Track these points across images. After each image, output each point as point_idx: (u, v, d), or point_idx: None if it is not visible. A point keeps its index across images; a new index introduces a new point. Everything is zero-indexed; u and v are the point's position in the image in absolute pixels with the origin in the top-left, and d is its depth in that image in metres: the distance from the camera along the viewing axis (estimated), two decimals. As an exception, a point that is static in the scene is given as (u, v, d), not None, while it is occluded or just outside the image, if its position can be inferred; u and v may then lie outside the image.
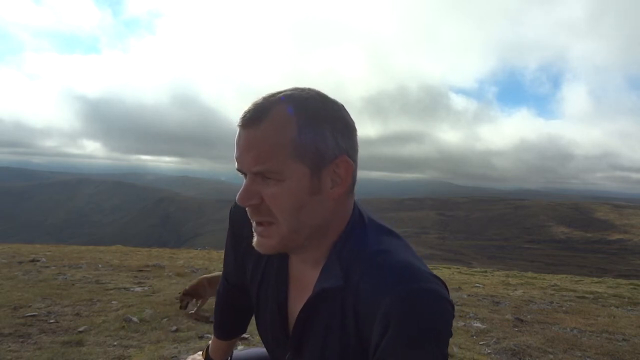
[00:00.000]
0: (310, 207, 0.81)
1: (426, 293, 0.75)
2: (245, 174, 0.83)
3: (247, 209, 0.84)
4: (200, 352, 1.31)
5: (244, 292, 1.10)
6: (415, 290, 0.74)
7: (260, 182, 0.80)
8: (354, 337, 0.81)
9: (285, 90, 0.82)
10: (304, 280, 0.91)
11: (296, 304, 0.91)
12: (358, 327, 0.80)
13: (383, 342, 0.74)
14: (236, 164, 0.83)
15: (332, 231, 0.86)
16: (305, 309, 0.87)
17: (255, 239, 0.86)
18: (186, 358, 1.33)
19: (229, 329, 1.24)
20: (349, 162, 0.82)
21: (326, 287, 0.84)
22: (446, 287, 0.79)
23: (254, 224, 0.86)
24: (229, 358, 1.27)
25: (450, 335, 0.77)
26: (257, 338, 3.37)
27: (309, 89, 0.83)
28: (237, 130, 0.82)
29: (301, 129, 0.78)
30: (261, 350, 1.29)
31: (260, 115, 0.78)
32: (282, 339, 0.95)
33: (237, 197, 0.82)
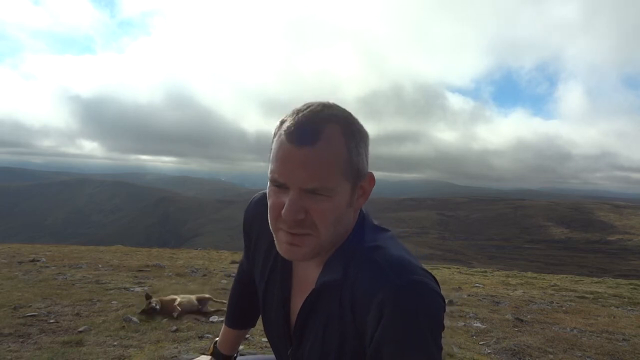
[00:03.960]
0: (344, 218, 0.88)
1: (418, 285, 0.80)
2: (286, 188, 0.84)
3: (287, 222, 0.84)
4: (206, 354, 1.34)
5: (255, 285, 1.16)
6: (408, 283, 0.80)
7: (307, 197, 0.83)
8: (351, 328, 0.86)
9: (322, 106, 0.85)
10: (307, 278, 0.96)
11: (299, 301, 0.96)
12: (355, 319, 0.85)
13: (377, 331, 0.79)
14: (278, 177, 0.84)
15: (346, 235, 0.92)
16: (307, 303, 0.93)
17: (284, 247, 0.88)
18: (193, 358, 1.37)
19: (240, 316, 1.30)
20: (373, 177, 0.91)
21: (326, 281, 0.89)
22: (437, 282, 0.84)
23: (282, 232, 0.87)
24: (235, 357, 1.31)
25: (443, 327, 0.81)
26: (258, 338, 3.37)
27: (340, 107, 0.88)
28: (284, 146, 0.83)
29: (350, 149, 0.84)
30: (266, 357, 1.34)
31: (315, 134, 0.82)
32: (286, 334, 1.00)
33: (283, 212, 0.83)
